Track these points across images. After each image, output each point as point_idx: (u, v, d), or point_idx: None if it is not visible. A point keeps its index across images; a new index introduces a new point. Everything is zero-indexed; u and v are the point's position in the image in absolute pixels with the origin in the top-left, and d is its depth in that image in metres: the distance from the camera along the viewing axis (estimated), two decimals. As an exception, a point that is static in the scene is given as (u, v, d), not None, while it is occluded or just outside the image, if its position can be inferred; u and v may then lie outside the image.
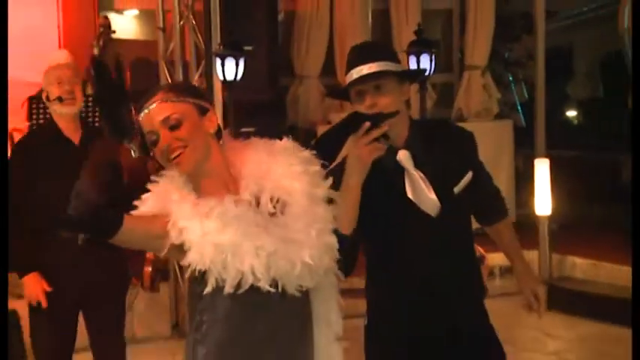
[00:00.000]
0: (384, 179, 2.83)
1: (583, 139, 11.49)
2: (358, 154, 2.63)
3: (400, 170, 2.89)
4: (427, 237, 2.91)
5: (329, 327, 2.60)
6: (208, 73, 6.56)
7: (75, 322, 4.31)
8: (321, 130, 8.43)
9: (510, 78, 10.76)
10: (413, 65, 7.04)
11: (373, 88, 2.83)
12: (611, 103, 12.27)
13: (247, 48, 6.67)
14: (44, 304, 4.12)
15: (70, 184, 4.17)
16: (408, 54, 7.07)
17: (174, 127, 2.43)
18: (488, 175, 3.20)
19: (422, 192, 2.88)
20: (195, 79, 6.68)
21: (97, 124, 6.44)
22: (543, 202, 7.17)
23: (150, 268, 4.26)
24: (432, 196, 2.88)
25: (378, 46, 3.17)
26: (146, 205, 2.41)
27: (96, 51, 7.55)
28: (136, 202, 2.43)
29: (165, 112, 2.45)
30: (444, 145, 2.96)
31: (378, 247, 2.94)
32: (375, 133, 2.61)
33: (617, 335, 6.41)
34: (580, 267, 7.64)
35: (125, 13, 9.62)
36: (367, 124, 2.61)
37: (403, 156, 2.88)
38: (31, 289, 4.15)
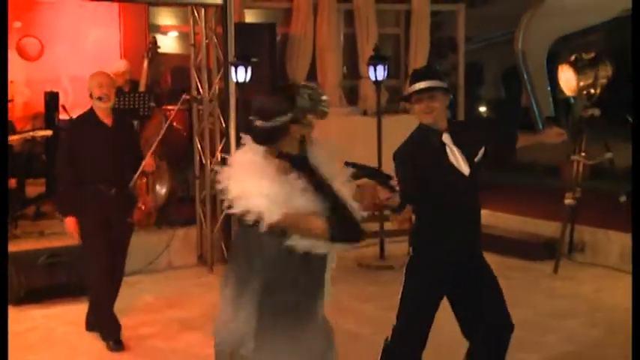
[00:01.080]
0: (433, 153, 3.17)
1: (490, 127, 11.40)
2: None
3: (443, 146, 3.18)
4: (463, 188, 3.20)
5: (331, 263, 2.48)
6: (226, 78, 6.45)
7: (108, 234, 4.42)
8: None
9: (440, 83, 10.62)
10: (372, 73, 6.88)
11: (427, 97, 3.16)
12: (510, 102, 12.25)
13: (254, 60, 6.55)
14: (76, 237, 4.41)
15: (102, 153, 4.34)
16: (368, 65, 6.92)
17: None
18: (492, 125, 3.43)
19: (458, 159, 3.18)
20: (216, 81, 6.57)
21: (144, 114, 6.39)
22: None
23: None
24: (464, 162, 3.19)
25: (432, 70, 3.68)
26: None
27: (146, 61, 7.47)
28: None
29: None
30: (465, 133, 3.27)
31: (430, 198, 3.16)
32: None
33: (510, 264, 6.42)
34: (484, 216, 7.55)
35: (169, 34, 9.44)
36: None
37: (446, 137, 3.19)
38: (69, 227, 4.41)
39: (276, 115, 2.24)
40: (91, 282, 4.52)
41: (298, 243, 2.24)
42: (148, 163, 4.48)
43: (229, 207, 2.25)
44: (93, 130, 4.38)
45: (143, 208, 4.48)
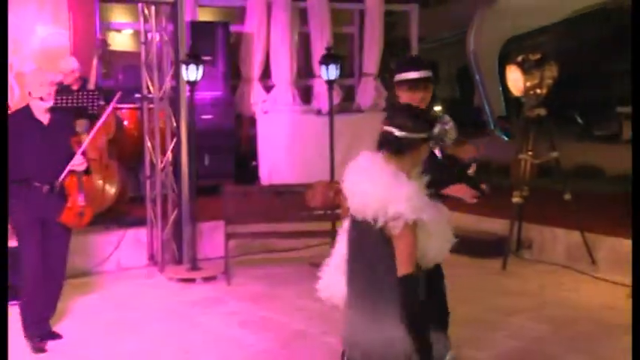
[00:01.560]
0: None
1: (444, 126, 11.47)
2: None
3: None
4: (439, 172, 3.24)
5: None
6: (177, 76, 6.35)
7: (40, 232, 4.29)
8: (260, 117, 8.33)
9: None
10: (324, 72, 6.83)
11: (423, 87, 3.30)
12: (464, 101, 12.37)
13: (206, 58, 6.44)
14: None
15: (37, 151, 4.19)
16: (320, 64, 6.86)
17: None
18: None
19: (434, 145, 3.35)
20: (167, 80, 6.45)
21: (94, 112, 6.22)
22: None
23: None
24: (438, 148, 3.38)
25: (425, 60, 3.66)
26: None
27: (96, 59, 7.28)
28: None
29: None
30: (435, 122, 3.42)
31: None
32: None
33: (462, 261, 6.40)
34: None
35: (123, 32, 9.25)
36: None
37: None
38: None
39: (414, 131, 2.47)
40: (23, 281, 4.33)
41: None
42: (77, 161, 4.29)
43: (375, 218, 2.39)
44: (27, 127, 4.25)
45: (72, 208, 4.32)
